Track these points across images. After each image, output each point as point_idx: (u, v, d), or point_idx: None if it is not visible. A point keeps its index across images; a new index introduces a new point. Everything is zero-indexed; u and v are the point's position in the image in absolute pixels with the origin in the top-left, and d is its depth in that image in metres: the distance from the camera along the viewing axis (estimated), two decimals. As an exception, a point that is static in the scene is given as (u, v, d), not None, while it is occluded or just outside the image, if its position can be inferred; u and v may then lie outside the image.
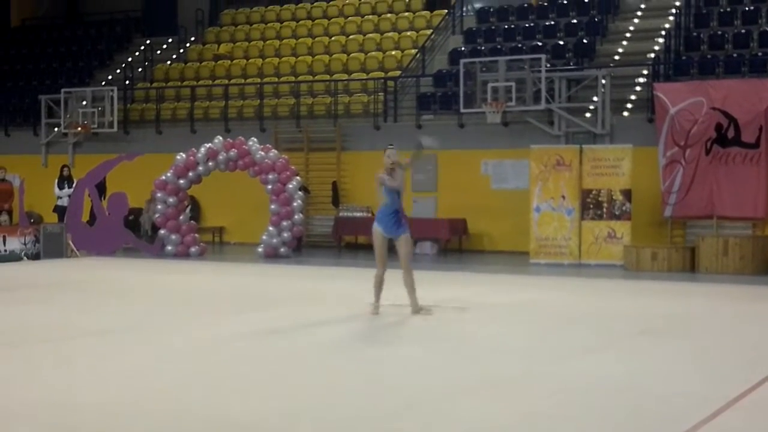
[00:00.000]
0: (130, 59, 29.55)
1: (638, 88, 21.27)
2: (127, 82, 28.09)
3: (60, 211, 21.90)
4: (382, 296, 11.06)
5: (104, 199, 20.89)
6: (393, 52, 25.51)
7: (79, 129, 25.12)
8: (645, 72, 21.44)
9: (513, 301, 12.96)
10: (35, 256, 18.81)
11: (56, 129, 25.97)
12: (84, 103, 25.28)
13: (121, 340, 9.55)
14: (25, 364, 8.17)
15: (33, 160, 25.97)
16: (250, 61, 27.30)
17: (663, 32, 22.72)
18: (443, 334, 10.08)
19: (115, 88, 25.54)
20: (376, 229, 10.87)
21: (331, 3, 29.09)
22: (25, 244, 18.77)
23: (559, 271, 17.20)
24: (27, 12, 35.07)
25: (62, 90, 25.68)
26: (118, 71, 29.19)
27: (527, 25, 24.61)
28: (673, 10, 23.46)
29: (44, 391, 7.09)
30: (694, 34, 22.28)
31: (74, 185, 21.37)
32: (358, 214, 21.44)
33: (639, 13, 24.39)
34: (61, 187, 22.26)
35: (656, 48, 22.36)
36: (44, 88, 27.43)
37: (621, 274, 17.00)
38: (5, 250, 18.39)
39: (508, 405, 6.78)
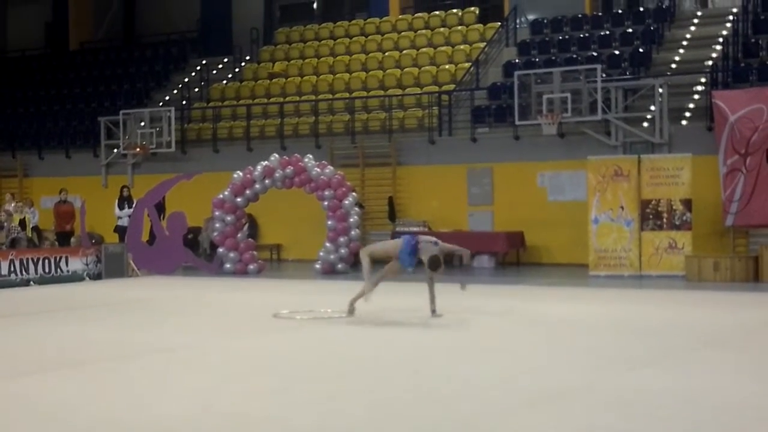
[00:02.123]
0: (186, 79, 29.88)
1: (696, 97, 21.01)
2: (184, 102, 28.40)
3: (120, 231, 22.18)
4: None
5: (163, 218, 21.11)
6: (447, 66, 25.49)
7: (138, 150, 25.44)
8: (703, 80, 21.18)
9: (573, 313, 12.83)
10: (97, 276, 19.06)
11: (115, 150, 26.32)
12: (142, 124, 25.61)
13: (183, 357, 9.62)
14: (89, 383, 8.26)
15: (93, 182, 26.35)
16: (304, 78, 27.46)
17: (720, 39, 22.45)
18: (500, 347, 10.01)
19: (173, 109, 25.82)
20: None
21: (384, 18, 29.18)
22: (86, 264, 19.02)
23: (620, 283, 17.01)
24: (85, 35, 35.70)
25: (121, 112, 26.04)
26: (175, 92, 29.53)
27: (582, 35, 24.47)
28: (731, 17, 23.17)
29: (108, 409, 7.16)
30: (753, 40, 21.96)
31: (134, 205, 21.63)
32: (415, 229, 21.35)
33: (695, 21, 24.14)
34: (121, 208, 22.57)
35: (714, 55, 22.08)
36: (103, 110, 27.83)
37: (683, 285, 16.77)
38: (68, 271, 18.66)
39: (567, 419, 6.70)
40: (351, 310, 12.29)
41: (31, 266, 18.09)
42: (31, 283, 17.96)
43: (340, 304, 12.84)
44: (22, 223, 22.34)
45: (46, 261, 18.38)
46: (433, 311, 11.96)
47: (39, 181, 27.67)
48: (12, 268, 17.79)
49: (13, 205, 22.81)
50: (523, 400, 7.32)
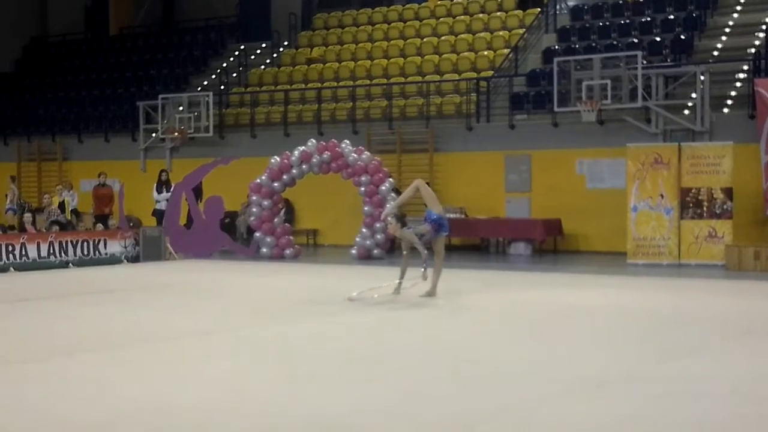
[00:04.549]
0: (224, 64, 29.97)
1: (738, 84, 20.73)
2: (222, 87, 28.48)
3: (158, 214, 22.31)
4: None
5: (201, 202, 21.20)
6: (485, 52, 25.34)
7: (176, 134, 25.54)
8: (745, 67, 20.89)
9: (610, 302, 12.73)
10: (135, 259, 19.20)
11: (154, 134, 26.45)
12: (180, 108, 25.69)
13: (219, 341, 9.65)
14: (126, 366, 8.30)
15: (132, 166, 26.51)
16: (342, 64, 27.42)
17: (764, 26, 22.12)
18: (536, 335, 9.95)
19: (211, 94, 25.88)
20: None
21: (422, 4, 29.07)
22: (125, 247, 19.17)
23: (658, 272, 16.85)
24: (125, 20, 35.89)
25: (159, 96, 26.15)
26: (213, 77, 29.63)
27: (622, 21, 24.22)
28: (774, 4, 22.83)
29: (145, 392, 7.19)
30: (797, 27, 21.64)
31: (172, 189, 21.73)
32: (451, 216, 21.26)
33: (738, 8, 23.79)
34: (159, 192, 22.69)
35: (757, 43, 21.77)
36: (142, 95, 27.99)
37: (722, 274, 16.59)
38: (106, 253, 18.81)
39: (606, 407, 6.65)
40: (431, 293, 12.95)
41: (70, 248, 18.26)
42: (70, 265, 18.13)
43: (386, 287, 12.89)
44: (62, 206, 22.56)
45: (85, 243, 18.55)
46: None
47: (78, 164, 27.89)
48: (51, 250, 17.97)
49: (12, 187, 23.39)
50: (559, 389, 7.26)
